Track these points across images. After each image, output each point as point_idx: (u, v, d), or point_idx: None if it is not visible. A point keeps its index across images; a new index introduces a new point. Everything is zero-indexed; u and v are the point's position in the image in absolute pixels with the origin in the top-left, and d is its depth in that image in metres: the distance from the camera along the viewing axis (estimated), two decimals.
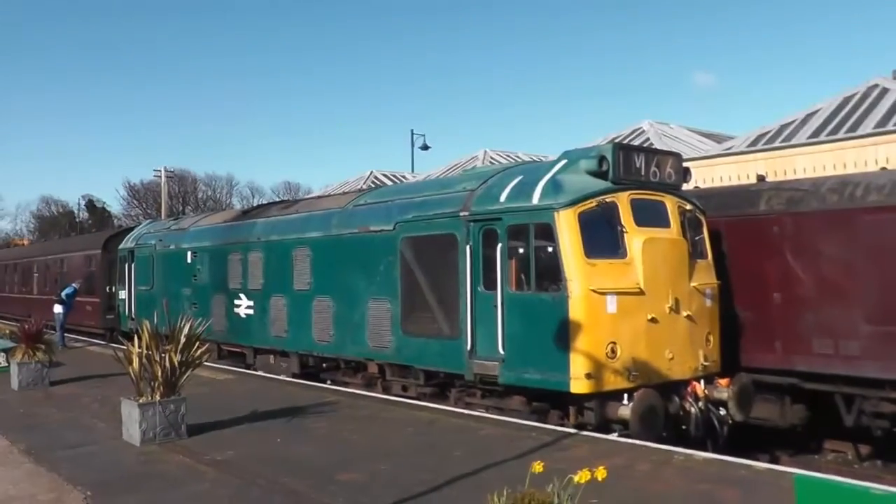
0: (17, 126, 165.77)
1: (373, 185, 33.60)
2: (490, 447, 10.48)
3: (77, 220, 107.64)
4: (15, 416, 14.63)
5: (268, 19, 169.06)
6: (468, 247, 13.28)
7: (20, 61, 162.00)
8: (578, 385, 11.51)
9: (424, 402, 14.34)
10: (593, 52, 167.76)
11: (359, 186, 36.03)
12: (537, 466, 5.58)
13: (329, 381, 17.46)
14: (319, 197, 23.93)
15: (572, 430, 11.63)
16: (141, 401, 11.66)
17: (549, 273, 12.17)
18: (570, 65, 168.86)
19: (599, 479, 5.35)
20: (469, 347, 13.15)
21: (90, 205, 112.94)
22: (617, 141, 20.60)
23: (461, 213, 13.52)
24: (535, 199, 12.42)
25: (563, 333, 11.74)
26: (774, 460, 13.06)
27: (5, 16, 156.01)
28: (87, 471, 10.16)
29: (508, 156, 38.30)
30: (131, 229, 31.61)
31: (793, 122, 23.95)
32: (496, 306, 12.71)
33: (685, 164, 14.04)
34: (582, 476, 5.35)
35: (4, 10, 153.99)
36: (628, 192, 12.62)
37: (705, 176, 23.01)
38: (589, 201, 12.18)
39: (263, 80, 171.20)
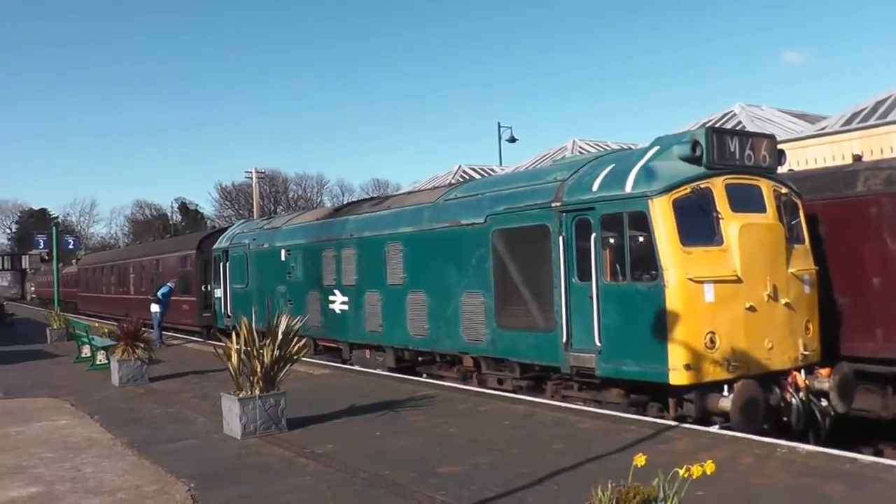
0: (112, 134, 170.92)
1: (461, 180, 33.60)
2: (589, 441, 10.40)
3: (171, 222, 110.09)
4: (117, 410, 15.02)
5: (354, 19, 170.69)
6: (561, 238, 13.18)
7: (111, 73, 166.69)
8: (677, 376, 11.34)
9: (521, 395, 14.31)
10: (679, 37, 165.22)
11: (448, 181, 36.06)
12: (640, 460, 5.52)
13: (425, 375, 17.52)
14: (410, 192, 24.04)
15: (672, 423, 11.44)
16: (241, 395, 11.86)
17: (645, 262, 11.99)
18: (657, 51, 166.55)
19: (708, 472, 5.27)
20: (564, 340, 13.05)
21: (183, 207, 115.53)
22: (709, 125, 20.24)
23: (553, 204, 13.43)
24: (629, 188, 12.25)
25: (661, 324, 11.57)
26: (878, 454, 12.66)
27: (95, 25, 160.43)
28: (190, 463, 10.36)
29: (598, 145, 37.94)
30: (225, 230, 32.16)
31: (888, 98, 23.14)
32: (591, 297, 12.58)
33: (779, 147, 13.71)
34: (695, 470, 5.27)
35: (93, 20, 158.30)
36: (723, 177, 12.37)
37: (799, 158, 22.42)
38: (683, 188, 11.97)
39: (352, 80, 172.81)
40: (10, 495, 9.22)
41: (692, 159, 12.28)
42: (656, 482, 5.42)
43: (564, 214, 13.19)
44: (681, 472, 5.32)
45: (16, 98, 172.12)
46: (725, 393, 11.36)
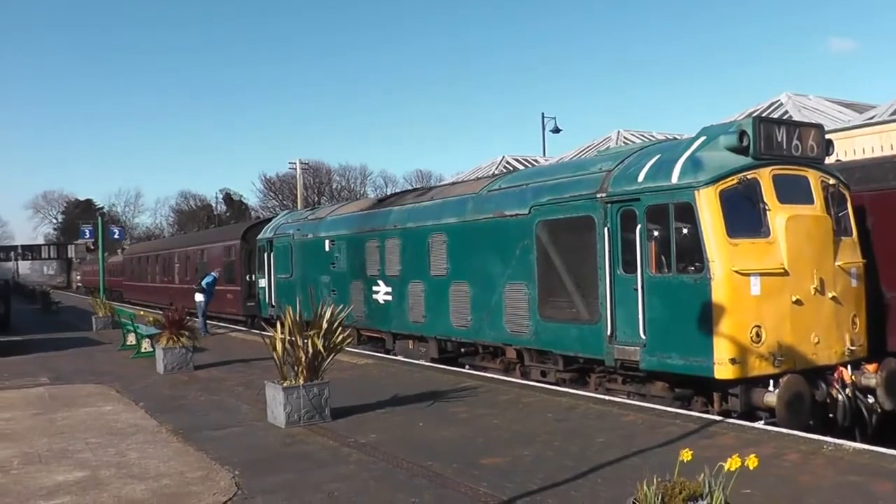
0: (157, 126, 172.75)
1: (505, 170, 33.52)
2: (633, 434, 10.34)
3: (215, 212, 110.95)
4: (162, 398, 15.17)
5: (397, 9, 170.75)
6: (606, 229, 13.09)
7: (156, 65, 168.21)
8: (723, 370, 11.22)
9: (564, 387, 14.25)
10: (725, 25, 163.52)
11: (491, 172, 36.00)
12: (686, 455, 5.47)
13: (467, 366, 17.52)
14: (454, 183, 24.04)
15: (717, 418, 11.33)
16: (285, 384, 11.92)
17: (691, 254, 11.87)
18: (703, 40, 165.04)
19: (751, 467, 5.20)
20: (609, 332, 12.97)
21: (227, 198, 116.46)
22: (755, 115, 19.99)
23: (598, 195, 13.33)
24: (675, 178, 12.12)
25: (706, 317, 11.45)
26: None
27: (137, 17, 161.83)
28: (234, 451, 10.43)
29: (642, 135, 37.62)
30: (269, 220, 32.37)
31: None
32: (636, 290, 12.48)
33: (826, 137, 13.49)
34: (732, 463, 5.21)
35: (135, 13, 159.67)
36: (770, 168, 12.20)
37: (846, 148, 22.12)
38: (730, 178, 11.82)
39: (395, 71, 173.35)
40: (56, 479, 9.35)
41: (739, 150, 12.12)
42: (702, 478, 5.37)
43: (610, 205, 13.09)
44: (726, 465, 5.26)
45: (61, 91, 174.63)
46: (771, 388, 11.24)
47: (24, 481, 9.34)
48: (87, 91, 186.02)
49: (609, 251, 13.04)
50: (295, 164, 65.41)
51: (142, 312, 28.57)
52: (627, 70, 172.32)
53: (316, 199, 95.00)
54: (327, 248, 23.31)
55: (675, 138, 17.75)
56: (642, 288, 12.40)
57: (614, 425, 10.96)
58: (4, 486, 9.16)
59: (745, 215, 11.88)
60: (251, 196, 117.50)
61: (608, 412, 11.88)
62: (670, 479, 5.43)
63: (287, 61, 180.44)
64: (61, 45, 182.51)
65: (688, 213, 11.85)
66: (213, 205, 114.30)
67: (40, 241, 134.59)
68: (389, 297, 20.02)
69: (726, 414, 11.56)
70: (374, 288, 20.64)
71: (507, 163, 41.59)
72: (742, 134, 12.08)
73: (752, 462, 5.25)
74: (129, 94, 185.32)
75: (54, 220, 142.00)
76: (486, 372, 16.57)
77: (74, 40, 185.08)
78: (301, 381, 11.96)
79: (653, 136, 36.01)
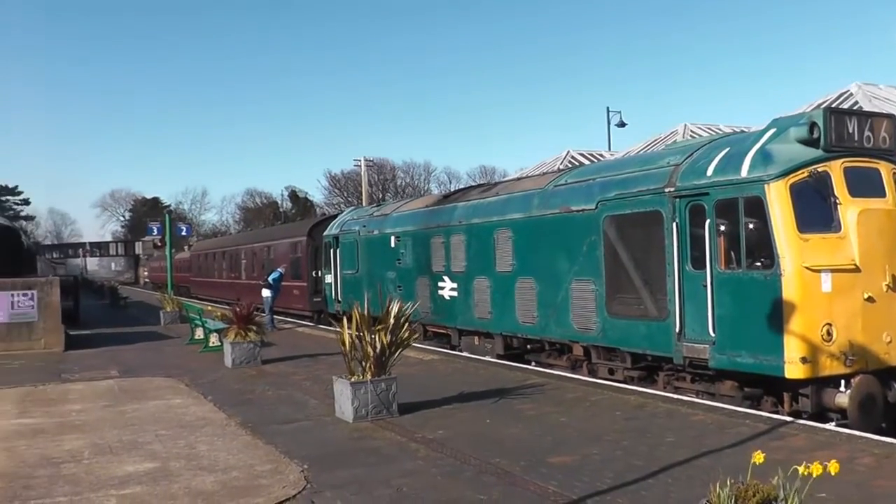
0: (223, 125, 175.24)
1: (569, 165, 33.34)
2: (702, 434, 10.21)
3: (280, 209, 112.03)
4: (230, 391, 15.38)
5: (461, 8, 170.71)
6: (674, 224, 12.93)
7: (222, 67, 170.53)
8: (793, 370, 11.02)
9: (632, 385, 14.14)
10: (792, 15, 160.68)
11: (556, 167, 35.78)
12: (759, 457, 5.37)
13: (533, 363, 17.47)
14: (519, 178, 23.95)
15: (788, 419, 11.11)
16: (353, 379, 11.99)
17: (760, 250, 11.67)
18: (769, 30, 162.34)
19: (833, 472, 5.09)
20: (677, 329, 12.82)
21: (293, 195, 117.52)
22: (825, 106, 19.59)
23: (666, 189, 13.18)
24: (744, 172, 11.92)
25: (777, 314, 11.25)
26: None
27: (207, 22, 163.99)
28: (303, 445, 10.53)
29: (709, 128, 37.02)
30: (335, 217, 32.58)
31: None
32: (705, 286, 12.31)
33: None
34: (815, 469, 5.09)
35: (204, 18, 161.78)
36: (841, 161, 11.95)
37: None
38: (800, 171, 11.62)
39: (458, 68, 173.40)
40: (126, 470, 9.53)
41: (809, 142, 11.89)
42: (776, 481, 5.28)
43: (678, 200, 12.93)
44: (801, 469, 5.15)
45: (129, 91, 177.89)
46: (842, 388, 11.05)
47: (95, 471, 9.56)
48: (152, 93, 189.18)
49: (677, 247, 12.89)
50: (360, 161, 65.84)
51: (209, 307, 28.97)
52: (693, 63, 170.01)
53: (380, 195, 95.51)
54: (393, 244, 23.41)
55: (743, 131, 17.48)
56: (711, 284, 12.23)
57: (683, 425, 10.83)
58: (77, 476, 9.36)
59: (815, 209, 11.67)
60: (316, 193, 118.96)
61: (677, 411, 11.75)
62: (743, 482, 5.34)
63: (351, 60, 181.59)
64: (129, 53, 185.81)
65: (757, 208, 11.66)
66: (279, 202, 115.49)
67: (108, 238, 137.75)
68: (455, 293, 20.03)
69: (797, 415, 11.36)
70: (440, 284, 20.67)
71: (572, 157, 41.26)
72: (812, 126, 11.85)
73: (833, 468, 5.12)
74: (195, 95, 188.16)
75: (122, 218, 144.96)
76: (553, 369, 16.49)
77: (139, 45, 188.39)
78: (369, 377, 12.02)
79: (720, 130, 35.45)
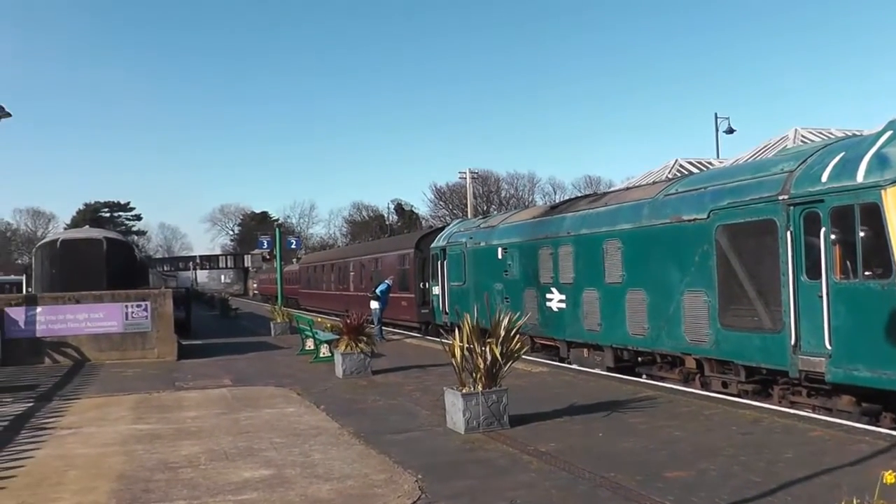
0: (331, 140, 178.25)
1: (678, 174, 32.90)
2: (821, 451, 9.90)
3: (387, 222, 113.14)
4: (342, 401, 15.54)
5: (560, 20, 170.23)
6: (788, 232, 12.65)
7: (330, 84, 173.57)
8: None
9: (746, 399, 13.84)
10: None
11: (664, 176, 35.36)
12: (890, 478, 5.19)
13: (644, 376, 17.27)
14: (628, 188, 23.76)
15: None
16: (464, 391, 12.01)
17: (878, 258, 11.33)
18: (880, 29, 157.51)
19: None
20: (793, 342, 12.52)
21: (399, 208, 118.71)
22: None
23: (780, 197, 12.89)
24: (860, 177, 11.57)
25: (895, 326, 10.90)
26: None
27: (310, 35, 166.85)
28: (415, 455, 10.58)
29: (821, 133, 36.10)
30: (441, 229, 32.82)
31: None
32: (821, 297, 12.01)
33: None
34: None
35: (308, 31, 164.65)
36: None
37: None
38: None
39: (561, 78, 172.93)
40: (243, 476, 9.73)
41: None
42: None
43: (792, 208, 12.65)
44: None
45: (237, 108, 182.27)
46: None
47: (212, 476, 9.79)
48: (260, 110, 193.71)
49: (792, 256, 12.61)
50: (465, 173, 66.11)
51: (319, 319, 29.41)
52: (803, 65, 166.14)
53: (485, 207, 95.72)
54: (500, 256, 23.44)
55: (857, 135, 17.02)
56: (827, 295, 11.93)
57: (801, 441, 10.54)
58: (194, 480, 9.61)
59: None
60: (421, 205, 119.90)
61: (794, 426, 11.44)
62: (869, 501, 5.19)
63: (455, 75, 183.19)
64: (237, 71, 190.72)
65: (874, 215, 11.32)
66: (385, 215, 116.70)
67: (217, 251, 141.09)
68: (563, 305, 19.94)
69: None
70: (548, 295, 20.60)
71: (681, 166, 40.69)
72: None
73: None
74: (303, 111, 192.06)
75: (231, 232, 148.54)
76: (664, 382, 16.27)
77: (256, 66, 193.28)
78: (480, 388, 12.03)
79: (831, 134, 34.55)
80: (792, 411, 12.69)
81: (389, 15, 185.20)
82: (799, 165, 13.08)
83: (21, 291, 50.67)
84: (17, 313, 23.98)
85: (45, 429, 13.42)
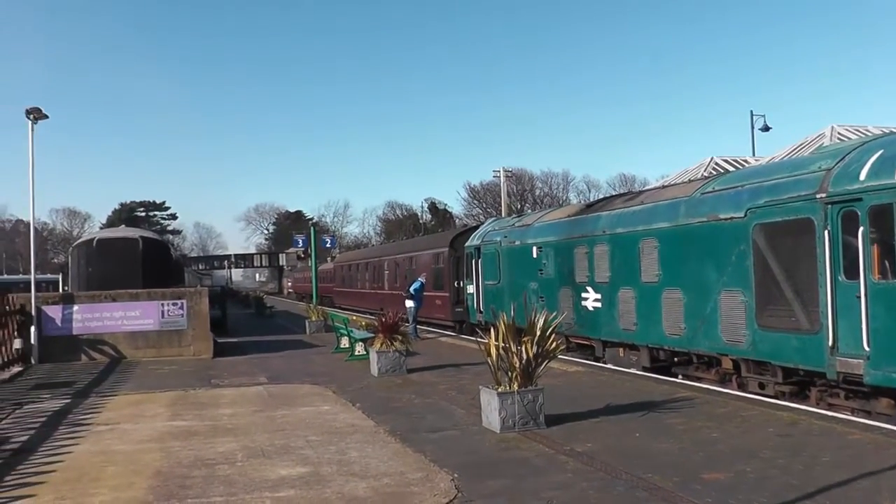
0: (366, 140, 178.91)
1: (714, 172, 32.70)
2: (860, 454, 9.81)
3: (420, 221, 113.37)
4: (377, 399, 15.61)
5: (595, 21, 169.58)
6: (826, 232, 12.55)
7: (366, 87, 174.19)
8: None
9: (783, 400, 13.74)
10: None
11: (700, 174, 35.17)
12: None
13: (680, 376, 17.19)
14: (664, 186, 23.63)
15: None
16: (500, 390, 12.01)
17: None
18: None
19: None
20: (830, 343, 12.41)
21: (432, 207, 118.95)
22: None
23: (818, 196, 12.79)
24: None
25: None
26: None
27: (350, 41, 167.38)
28: (451, 453, 10.60)
29: (858, 131, 35.74)
30: (475, 228, 32.82)
31: None
32: (859, 297, 11.89)
33: None
34: None
35: (347, 36, 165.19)
36: None
37: None
38: None
39: (595, 78, 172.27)
40: (280, 473, 9.81)
41: None
42: None
43: (830, 206, 12.55)
44: None
45: (274, 112, 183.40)
46: None
47: (248, 473, 9.88)
48: (296, 112, 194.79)
49: (830, 256, 12.51)
50: (499, 171, 66.06)
51: (354, 317, 29.53)
52: (839, 62, 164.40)
53: (519, 205, 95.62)
54: (535, 255, 23.41)
55: (893, 132, 16.83)
56: (865, 295, 11.82)
57: (840, 444, 10.44)
58: (231, 477, 9.71)
59: None
60: (455, 204, 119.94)
61: (832, 429, 11.33)
62: None
63: (490, 74, 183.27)
64: (275, 76, 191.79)
65: None
66: (419, 213, 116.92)
67: (252, 250, 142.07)
68: (599, 304, 19.90)
69: None
70: (583, 295, 20.56)
71: (716, 164, 40.44)
72: None
73: None
74: (340, 113, 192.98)
75: (265, 231, 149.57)
76: (701, 382, 16.19)
77: (291, 73, 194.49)
78: (515, 387, 12.03)
79: (868, 132, 34.20)
80: (830, 413, 12.58)
81: (424, 17, 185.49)
82: (837, 163, 12.97)
83: (58, 290, 51.36)
84: (55, 311, 24.30)
85: (83, 425, 13.62)
